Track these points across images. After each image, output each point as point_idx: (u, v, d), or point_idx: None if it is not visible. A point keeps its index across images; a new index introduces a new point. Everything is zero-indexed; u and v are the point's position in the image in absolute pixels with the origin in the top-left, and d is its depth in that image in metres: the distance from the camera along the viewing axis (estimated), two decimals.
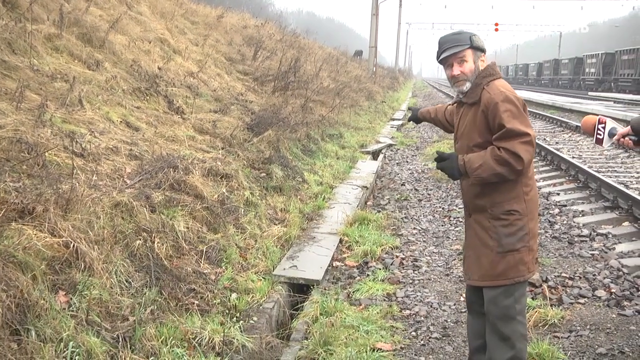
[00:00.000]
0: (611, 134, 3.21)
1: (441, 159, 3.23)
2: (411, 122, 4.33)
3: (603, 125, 3.23)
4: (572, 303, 5.01)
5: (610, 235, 6.86)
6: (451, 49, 3.19)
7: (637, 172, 10.85)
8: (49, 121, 5.16)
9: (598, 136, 3.25)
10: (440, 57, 3.25)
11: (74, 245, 3.56)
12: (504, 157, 3.03)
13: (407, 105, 29.99)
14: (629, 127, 3.15)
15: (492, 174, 3.07)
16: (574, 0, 55.83)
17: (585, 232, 7.00)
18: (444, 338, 4.48)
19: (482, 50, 3.24)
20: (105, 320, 3.40)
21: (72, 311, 3.25)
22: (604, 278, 5.50)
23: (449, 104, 3.87)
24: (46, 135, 4.82)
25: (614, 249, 6.40)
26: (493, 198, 3.20)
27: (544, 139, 15.35)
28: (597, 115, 3.41)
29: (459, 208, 8.09)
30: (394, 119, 21.60)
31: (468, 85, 3.21)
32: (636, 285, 5.30)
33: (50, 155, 4.57)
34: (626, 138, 3.16)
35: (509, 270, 3.18)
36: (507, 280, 3.20)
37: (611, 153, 12.60)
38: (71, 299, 3.32)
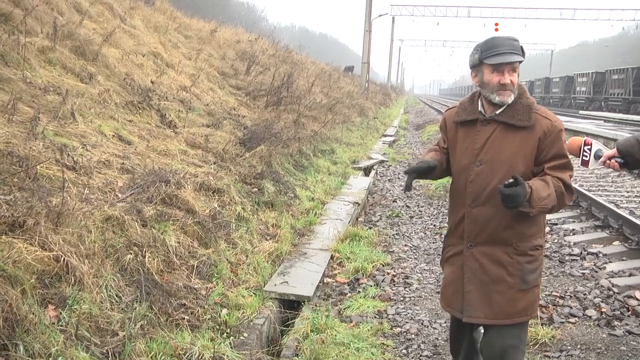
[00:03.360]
0: (597, 156, 3.18)
1: (516, 184, 2.72)
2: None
3: (589, 147, 3.21)
4: (562, 322, 5.01)
5: (600, 255, 6.88)
6: (509, 56, 2.87)
7: (628, 192, 10.92)
8: (41, 134, 5.15)
9: (584, 158, 3.23)
10: (498, 61, 2.88)
11: (64, 259, 3.54)
12: (561, 189, 2.86)
13: (399, 122, 30.10)
14: (615, 149, 3.15)
15: (552, 205, 2.85)
16: (565, 19, 56.36)
17: (576, 251, 7.02)
18: (435, 356, 4.47)
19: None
20: (94, 335, 3.37)
21: (62, 326, 3.23)
22: (595, 297, 5.51)
23: (435, 146, 3.39)
24: (38, 148, 4.80)
25: (604, 268, 6.42)
26: (522, 232, 2.96)
27: None
28: (583, 137, 3.40)
29: None
30: (385, 135, 21.67)
31: (512, 98, 2.93)
32: (626, 305, 5.32)
33: (42, 169, 4.55)
34: (612, 160, 3.14)
35: (529, 307, 3.02)
36: (525, 318, 3.03)
37: (602, 172, 12.68)
38: (61, 313, 3.30)
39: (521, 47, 2.91)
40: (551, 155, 2.90)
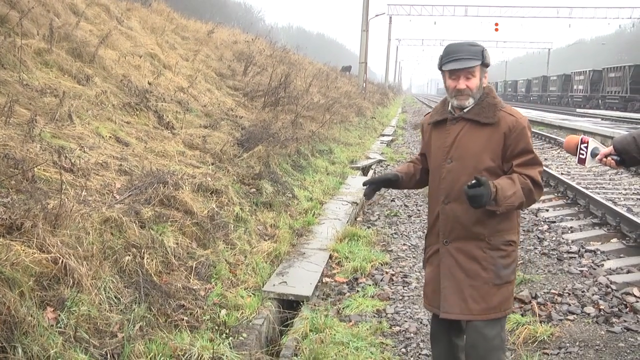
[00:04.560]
0: (594, 154, 3.19)
1: (479, 184, 2.78)
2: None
3: (585, 145, 3.21)
4: (561, 319, 5.01)
5: (598, 252, 6.89)
6: (463, 62, 2.95)
7: (625, 189, 10.93)
8: (38, 136, 5.15)
9: (581, 156, 3.24)
10: (450, 68, 2.98)
11: (62, 261, 3.54)
12: (529, 186, 2.91)
13: (396, 122, 30.09)
14: (612, 146, 3.15)
15: (519, 202, 2.90)
16: (562, 17, 56.45)
17: (574, 248, 7.03)
18: None
19: (488, 66, 3.06)
20: (93, 337, 3.37)
21: (60, 328, 3.23)
22: (593, 295, 5.52)
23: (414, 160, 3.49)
24: (35, 150, 4.80)
25: (602, 265, 6.42)
26: (494, 227, 3.02)
27: None
28: (579, 135, 3.40)
29: None
30: (383, 135, 21.66)
31: (471, 101, 3.02)
32: (624, 302, 5.32)
33: (39, 171, 4.55)
34: (608, 158, 3.15)
35: (504, 302, 3.07)
36: (500, 313, 3.07)
37: (599, 170, 12.69)
38: (59, 315, 3.30)
39: (481, 51, 2.98)
40: (518, 151, 2.97)
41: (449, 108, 3.14)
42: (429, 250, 3.28)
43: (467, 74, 2.97)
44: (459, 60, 2.95)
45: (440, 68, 3.05)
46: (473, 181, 2.80)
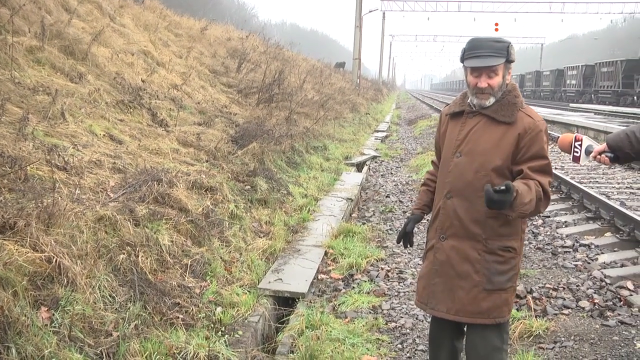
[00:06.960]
0: (588, 152, 3.20)
1: (508, 191, 2.64)
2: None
3: (580, 142, 3.22)
4: (556, 314, 5.03)
5: (593, 246, 6.91)
6: (486, 59, 2.84)
7: (619, 183, 10.97)
8: (30, 134, 5.12)
9: (575, 154, 3.25)
10: (471, 65, 2.89)
11: (56, 260, 3.52)
12: (540, 195, 2.79)
13: (390, 117, 30.10)
14: (605, 144, 3.17)
15: (530, 211, 2.78)
16: (555, 13, 56.57)
17: (569, 243, 7.05)
18: None
19: (512, 62, 2.93)
20: (88, 336, 3.35)
21: (55, 327, 3.21)
22: (587, 289, 5.54)
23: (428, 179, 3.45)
24: (28, 148, 4.77)
25: (596, 259, 6.44)
26: (494, 230, 2.93)
27: None
28: (573, 131, 3.43)
29: None
30: (377, 131, 21.69)
31: (492, 100, 2.92)
32: (619, 296, 5.34)
33: (32, 169, 4.52)
34: (602, 155, 3.16)
35: (493, 309, 2.96)
36: (489, 320, 2.97)
37: (593, 164, 12.72)
38: (53, 314, 3.28)
39: (507, 47, 2.86)
40: (530, 154, 2.87)
41: (468, 101, 3.06)
42: (427, 245, 3.23)
43: (490, 72, 2.87)
44: (481, 57, 2.85)
45: (462, 61, 2.95)
46: (502, 187, 2.64)
